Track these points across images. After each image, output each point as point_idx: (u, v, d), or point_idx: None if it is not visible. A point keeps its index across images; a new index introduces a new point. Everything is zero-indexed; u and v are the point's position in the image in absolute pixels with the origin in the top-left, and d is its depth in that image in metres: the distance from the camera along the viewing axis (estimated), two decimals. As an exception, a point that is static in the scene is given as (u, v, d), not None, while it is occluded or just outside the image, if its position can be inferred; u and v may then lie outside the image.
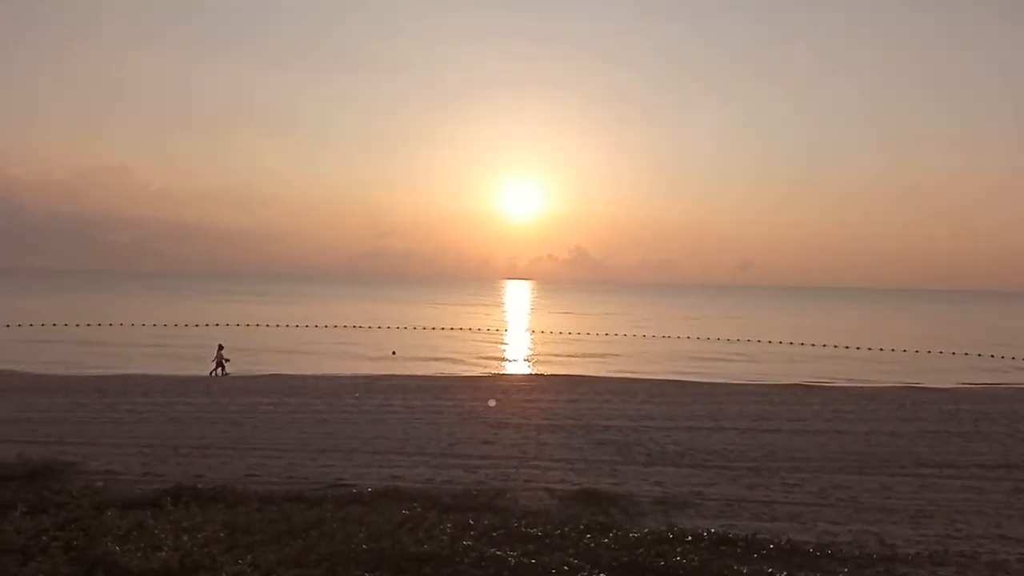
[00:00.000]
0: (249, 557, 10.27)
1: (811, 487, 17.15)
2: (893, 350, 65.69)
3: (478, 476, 17.23)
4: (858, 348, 66.87)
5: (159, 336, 64.96)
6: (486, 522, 12.64)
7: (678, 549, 11.84)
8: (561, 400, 30.66)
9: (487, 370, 47.23)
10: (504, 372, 47.12)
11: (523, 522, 12.84)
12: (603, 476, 17.58)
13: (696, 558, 11.41)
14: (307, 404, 28.04)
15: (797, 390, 37.92)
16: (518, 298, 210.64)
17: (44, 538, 11.03)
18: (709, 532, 12.85)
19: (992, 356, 61.63)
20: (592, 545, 11.77)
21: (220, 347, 41.55)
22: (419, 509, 13.33)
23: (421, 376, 41.29)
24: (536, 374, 45.50)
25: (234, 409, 26.49)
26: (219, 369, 40.13)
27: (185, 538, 10.81)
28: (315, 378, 38.70)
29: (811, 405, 30.55)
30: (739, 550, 12.08)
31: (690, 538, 12.48)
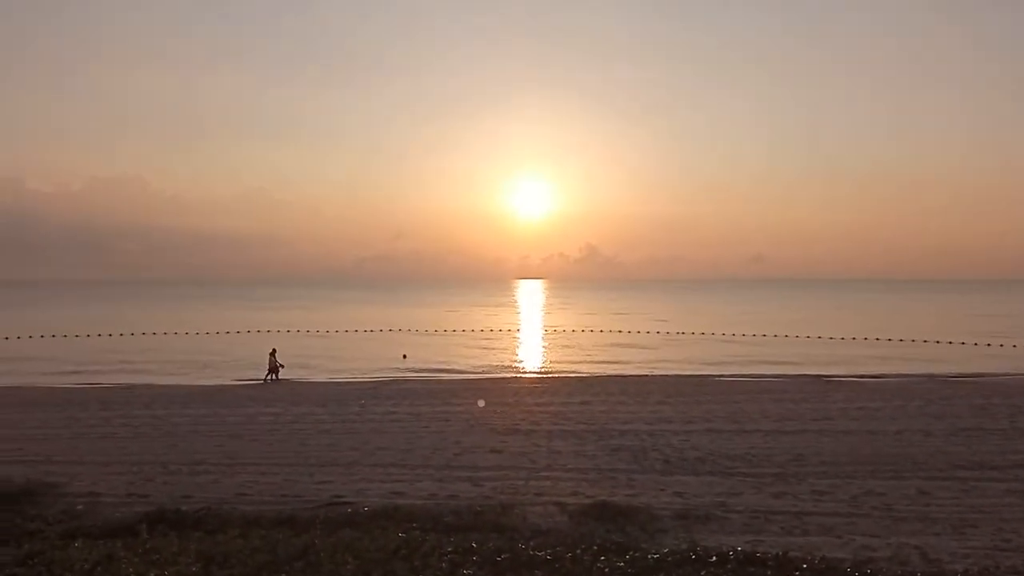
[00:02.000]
0: (222, 595, 9.19)
1: (843, 495, 15.94)
2: (914, 341, 64.20)
3: (484, 490, 16.12)
4: (877, 339, 65.41)
5: (172, 344, 64.23)
6: (491, 545, 11.52)
7: (702, 572, 10.70)
8: (573, 403, 29.51)
9: (498, 372, 46.13)
10: (515, 374, 45.96)
11: (531, 544, 11.71)
12: (618, 487, 16.42)
13: (722, 583, 10.26)
14: (309, 413, 27.01)
15: (819, 385, 36.67)
16: (530, 298, 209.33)
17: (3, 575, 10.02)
18: (735, 551, 11.68)
19: (1015, 346, 59.98)
20: (606, 569, 10.64)
21: (273, 352, 40.85)
22: (418, 531, 12.23)
23: (430, 380, 40.28)
24: (548, 375, 44.36)
25: (233, 421, 25.50)
26: (272, 375, 39.53)
27: (153, 574, 9.75)
28: (322, 385, 37.82)
29: (836, 402, 29.26)
30: (769, 572, 10.91)
31: (715, 558, 11.32)
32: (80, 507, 14.55)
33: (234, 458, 19.42)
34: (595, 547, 11.56)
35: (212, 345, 63.46)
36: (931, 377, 40.98)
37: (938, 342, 63.40)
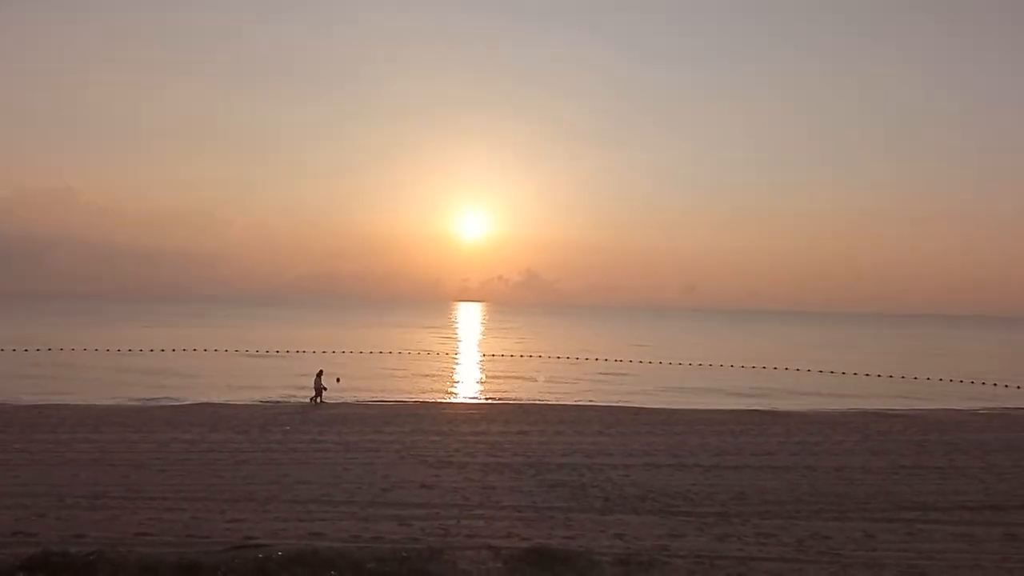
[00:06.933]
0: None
1: (788, 537, 15.27)
2: (844, 373, 65.11)
3: (412, 530, 14.97)
4: (808, 371, 66.19)
5: (94, 362, 61.13)
6: (415, 597, 10.43)
7: (646, 631, 9.79)
8: (510, 432, 28.51)
9: (434, 397, 44.87)
10: (451, 400, 44.77)
11: (460, 596, 10.66)
12: (556, 528, 15.46)
13: (668, 643, 9.36)
14: (229, 441, 25.39)
15: (754, 416, 36.46)
16: (469, 321, 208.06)
17: None
18: (681, 604, 10.83)
19: (940, 380, 61.29)
20: (543, 628, 9.65)
21: (319, 373, 39.57)
22: (335, 580, 11.05)
23: (362, 404, 38.80)
24: (485, 402, 43.28)
25: (143, 448, 23.76)
26: (318, 396, 38.55)
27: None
28: (247, 408, 36.01)
29: (774, 436, 28.91)
30: (718, 629, 10.08)
31: (659, 613, 10.44)
32: (-46, 548, 12.92)
33: (139, 491, 17.83)
34: (530, 601, 10.57)
35: (134, 362, 60.60)
36: (865, 411, 41.21)
37: (867, 375, 64.40)
